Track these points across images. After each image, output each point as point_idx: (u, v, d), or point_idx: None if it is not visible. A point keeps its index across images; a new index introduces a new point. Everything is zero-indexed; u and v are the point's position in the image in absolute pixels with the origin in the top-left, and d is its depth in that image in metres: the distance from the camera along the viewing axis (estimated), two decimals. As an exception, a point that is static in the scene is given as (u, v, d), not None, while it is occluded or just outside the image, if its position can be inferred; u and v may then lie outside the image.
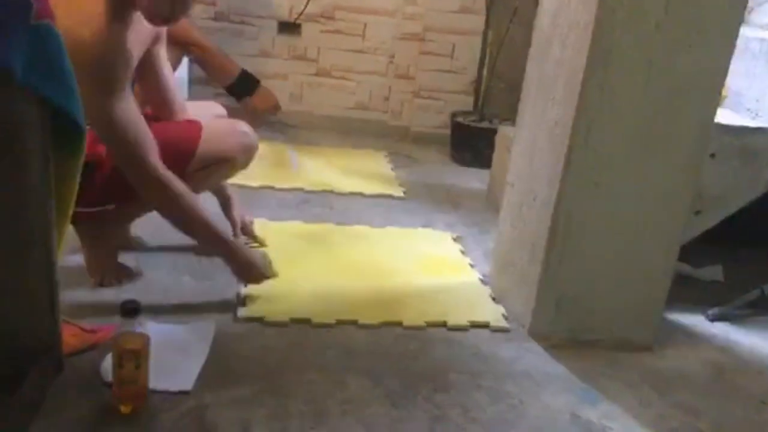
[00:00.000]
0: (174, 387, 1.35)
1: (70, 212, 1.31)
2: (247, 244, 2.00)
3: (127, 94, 1.52)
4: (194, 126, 1.76)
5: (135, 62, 1.57)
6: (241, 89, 2.59)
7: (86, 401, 1.30)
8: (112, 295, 1.66)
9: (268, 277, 1.72)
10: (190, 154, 1.69)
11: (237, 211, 2.04)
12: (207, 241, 1.69)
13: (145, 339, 1.27)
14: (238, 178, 2.64)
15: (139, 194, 1.59)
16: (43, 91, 1.15)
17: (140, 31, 1.56)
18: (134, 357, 1.24)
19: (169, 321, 1.59)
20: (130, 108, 1.52)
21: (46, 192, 1.23)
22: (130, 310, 1.59)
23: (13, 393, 1.20)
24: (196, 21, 3.40)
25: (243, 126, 1.85)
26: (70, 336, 1.43)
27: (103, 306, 1.62)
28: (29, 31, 1.10)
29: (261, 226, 2.17)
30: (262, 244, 2.05)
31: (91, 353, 1.43)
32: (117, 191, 1.66)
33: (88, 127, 1.56)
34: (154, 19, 1.50)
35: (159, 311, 1.63)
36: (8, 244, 1.24)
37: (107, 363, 1.33)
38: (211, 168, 1.77)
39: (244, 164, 1.87)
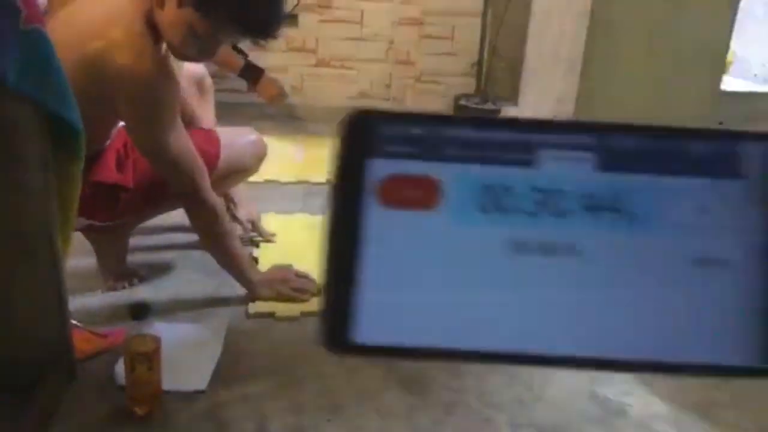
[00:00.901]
0: (188, 387, 1.35)
1: (74, 215, 1.30)
2: (254, 239, 2.01)
3: (178, 121, 1.49)
4: (213, 140, 1.75)
5: None
6: (248, 79, 2.66)
7: (101, 405, 1.30)
8: (121, 298, 1.66)
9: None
10: (212, 170, 1.66)
11: (244, 210, 2.03)
12: (231, 270, 1.67)
13: (157, 341, 1.27)
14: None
15: (189, 220, 1.61)
16: (37, 96, 1.14)
17: None
18: (146, 359, 1.24)
19: (180, 320, 1.59)
20: (182, 136, 1.50)
21: (48, 196, 1.23)
22: (140, 311, 1.58)
23: (28, 401, 1.20)
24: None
25: (253, 134, 1.88)
26: (82, 341, 1.42)
27: (113, 309, 1.62)
28: (19, 36, 1.09)
29: (267, 220, 2.16)
30: (269, 240, 2.05)
31: (103, 357, 1.43)
32: (138, 208, 1.68)
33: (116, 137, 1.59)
34: (179, 56, 1.48)
35: (169, 311, 1.62)
36: (12, 251, 1.24)
37: (120, 367, 1.33)
38: (227, 178, 1.78)
39: (256, 171, 1.91)
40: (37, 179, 1.20)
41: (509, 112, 2.66)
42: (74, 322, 1.38)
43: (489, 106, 3.20)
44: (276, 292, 1.69)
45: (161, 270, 1.82)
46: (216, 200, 1.58)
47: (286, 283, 1.71)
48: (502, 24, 3.20)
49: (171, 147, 1.47)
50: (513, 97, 2.33)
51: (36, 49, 1.13)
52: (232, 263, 1.65)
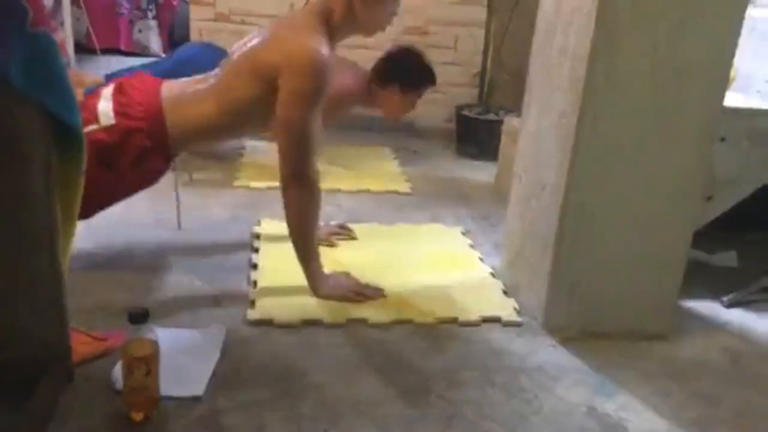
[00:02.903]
0: (186, 392, 1.34)
1: (76, 218, 1.30)
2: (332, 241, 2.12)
3: (319, 107, 1.67)
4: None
5: None
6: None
7: (98, 409, 1.29)
8: (120, 303, 1.65)
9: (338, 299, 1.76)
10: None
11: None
12: (304, 261, 1.76)
13: (154, 345, 1.26)
14: (244, 180, 2.64)
15: (286, 198, 1.72)
16: (41, 98, 1.14)
17: None
18: (144, 364, 1.23)
19: (178, 326, 1.58)
20: (316, 120, 1.67)
21: (50, 199, 1.22)
22: (138, 316, 1.57)
23: (25, 403, 1.20)
24: (196, 23, 3.39)
25: None
26: (80, 344, 1.42)
27: (112, 313, 1.61)
28: (25, 38, 1.09)
29: (269, 227, 2.16)
30: (353, 237, 2.17)
31: (101, 361, 1.42)
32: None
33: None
34: (372, 33, 1.81)
35: (168, 316, 1.62)
36: (13, 253, 1.23)
37: (117, 370, 1.32)
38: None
39: None
40: (40, 183, 1.20)
41: (512, 122, 2.67)
42: (72, 325, 1.37)
43: (492, 116, 3.21)
44: (337, 292, 1.76)
45: (161, 275, 1.82)
46: (318, 182, 1.72)
47: (344, 286, 1.78)
48: (506, 35, 3.21)
49: (309, 127, 1.65)
50: (516, 108, 2.33)
51: (41, 51, 1.13)
52: (308, 254, 1.75)
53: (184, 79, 1.82)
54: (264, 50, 1.69)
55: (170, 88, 1.78)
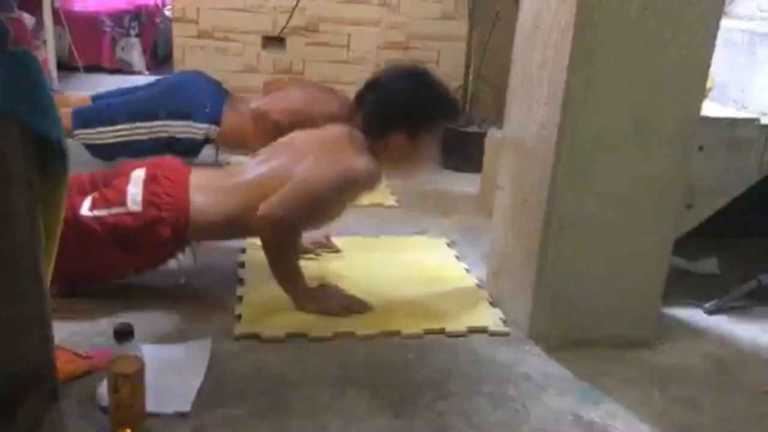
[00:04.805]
0: (172, 409, 1.34)
1: (58, 236, 1.30)
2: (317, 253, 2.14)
3: (337, 192, 1.80)
4: None
5: None
6: None
7: (83, 428, 1.28)
8: (105, 320, 1.65)
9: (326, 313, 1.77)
10: None
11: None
12: (283, 283, 1.78)
13: (140, 362, 1.26)
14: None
15: (264, 236, 1.74)
16: (23, 116, 1.14)
17: None
18: (129, 381, 1.23)
19: (164, 341, 1.57)
20: (333, 198, 1.81)
21: (33, 217, 1.22)
22: (124, 333, 1.56)
23: (8, 423, 1.19)
24: (179, 40, 3.40)
25: None
26: (66, 362, 1.41)
27: (97, 331, 1.60)
28: (6, 56, 1.10)
29: (255, 241, 2.15)
30: (338, 251, 2.17)
31: (86, 378, 1.41)
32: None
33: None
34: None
35: (154, 332, 1.61)
36: (-3, 272, 1.23)
37: (103, 388, 1.31)
38: None
39: None
40: (22, 201, 1.20)
41: (494, 135, 2.69)
42: (57, 343, 1.36)
43: (475, 128, 3.24)
44: (320, 306, 1.76)
45: (146, 290, 1.81)
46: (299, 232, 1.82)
47: (332, 300, 1.78)
48: (487, 49, 3.24)
49: (318, 193, 1.74)
50: (498, 121, 2.36)
51: (23, 69, 1.13)
52: (287, 277, 1.77)
53: (211, 170, 1.90)
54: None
55: (199, 179, 1.81)
